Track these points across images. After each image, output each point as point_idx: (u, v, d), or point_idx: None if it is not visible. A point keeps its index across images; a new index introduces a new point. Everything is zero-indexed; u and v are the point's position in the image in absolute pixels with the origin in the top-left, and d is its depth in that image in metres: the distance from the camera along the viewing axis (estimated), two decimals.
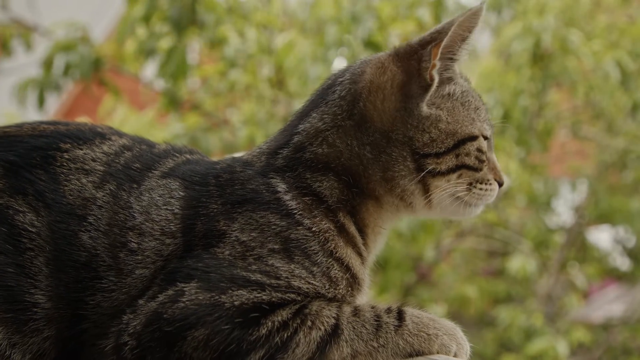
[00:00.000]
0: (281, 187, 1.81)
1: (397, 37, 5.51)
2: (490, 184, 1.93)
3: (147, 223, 1.76)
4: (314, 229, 1.77)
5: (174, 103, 5.96)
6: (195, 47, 6.64)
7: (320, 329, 1.65)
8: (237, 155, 2.03)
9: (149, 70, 6.75)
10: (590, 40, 6.08)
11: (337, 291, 1.76)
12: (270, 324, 1.64)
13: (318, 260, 1.74)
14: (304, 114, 1.94)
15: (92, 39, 5.59)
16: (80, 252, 1.74)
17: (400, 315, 1.71)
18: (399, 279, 6.85)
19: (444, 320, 1.76)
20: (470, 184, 1.90)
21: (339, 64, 5.15)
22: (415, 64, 1.86)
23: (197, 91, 6.49)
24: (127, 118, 6.07)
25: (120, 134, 1.95)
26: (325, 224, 1.79)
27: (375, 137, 1.85)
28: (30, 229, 1.74)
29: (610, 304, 9.30)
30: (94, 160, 1.84)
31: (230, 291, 1.66)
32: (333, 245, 1.77)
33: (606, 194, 7.67)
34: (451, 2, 5.44)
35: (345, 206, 1.84)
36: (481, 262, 8.95)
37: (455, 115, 1.87)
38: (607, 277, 9.24)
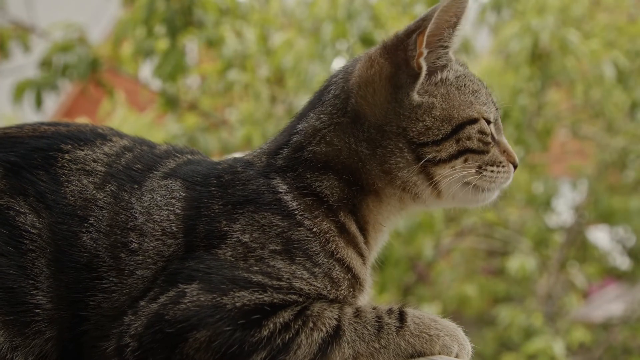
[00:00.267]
0: (282, 187, 1.81)
1: None
2: (502, 165, 1.90)
3: (148, 223, 1.76)
4: (314, 229, 1.76)
5: (171, 103, 5.96)
6: (193, 47, 6.64)
7: (321, 330, 1.65)
8: (237, 155, 2.03)
9: (147, 70, 6.75)
10: (588, 39, 6.08)
11: (338, 292, 1.75)
12: (271, 325, 1.64)
13: (319, 261, 1.74)
14: (302, 115, 1.94)
15: (89, 40, 5.59)
16: (81, 253, 1.73)
17: (402, 316, 1.70)
18: (397, 279, 6.85)
19: (445, 321, 1.75)
20: (480, 167, 1.86)
21: (338, 63, 5.16)
22: (402, 54, 1.85)
23: (195, 91, 6.49)
24: (126, 119, 6.07)
25: (121, 135, 1.95)
26: (325, 224, 1.78)
27: (371, 131, 1.84)
28: (32, 231, 1.74)
29: (610, 304, 9.31)
30: (95, 161, 1.83)
31: (232, 292, 1.66)
32: (334, 246, 1.77)
33: (606, 193, 7.67)
34: None
35: (346, 205, 1.84)
36: (481, 261, 8.96)
37: (450, 101, 1.85)
38: (607, 276, 9.25)
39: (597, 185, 7.81)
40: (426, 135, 1.82)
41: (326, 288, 1.73)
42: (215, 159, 2.04)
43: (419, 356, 1.68)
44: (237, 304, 1.64)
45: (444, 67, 1.89)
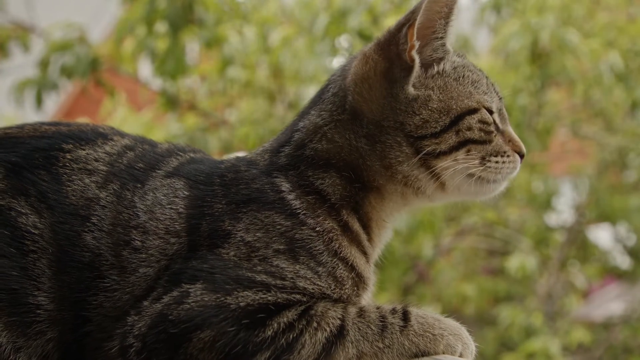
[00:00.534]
0: (285, 186, 1.80)
1: None
2: (507, 155, 1.88)
3: (151, 222, 1.75)
4: (317, 228, 1.76)
5: (171, 103, 5.96)
6: (193, 48, 6.64)
7: (325, 330, 1.65)
8: (239, 154, 2.03)
9: (146, 70, 6.75)
10: (588, 39, 6.07)
11: (342, 291, 1.75)
12: (275, 325, 1.63)
13: (323, 261, 1.73)
14: (304, 113, 1.95)
15: (89, 40, 5.58)
16: (83, 252, 1.73)
17: (406, 316, 1.70)
18: (397, 278, 6.85)
19: (449, 320, 1.75)
20: (483, 157, 1.85)
21: (338, 63, 5.16)
22: (394, 49, 1.85)
23: (195, 90, 6.49)
24: (126, 118, 6.06)
25: (123, 134, 1.94)
26: (328, 223, 1.78)
27: (369, 127, 1.84)
28: (33, 231, 1.73)
29: (610, 303, 9.31)
30: (96, 160, 1.83)
31: (236, 292, 1.65)
32: (337, 245, 1.76)
33: (606, 192, 7.67)
34: None
35: (349, 203, 1.83)
36: (481, 260, 8.95)
37: (448, 92, 1.84)
38: (608, 275, 9.24)
39: (597, 185, 7.81)
40: (424, 128, 1.81)
41: (330, 287, 1.73)
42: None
43: (422, 355, 1.67)
44: (241, 304, 1.64)
45: (440, 59, 1.88)
